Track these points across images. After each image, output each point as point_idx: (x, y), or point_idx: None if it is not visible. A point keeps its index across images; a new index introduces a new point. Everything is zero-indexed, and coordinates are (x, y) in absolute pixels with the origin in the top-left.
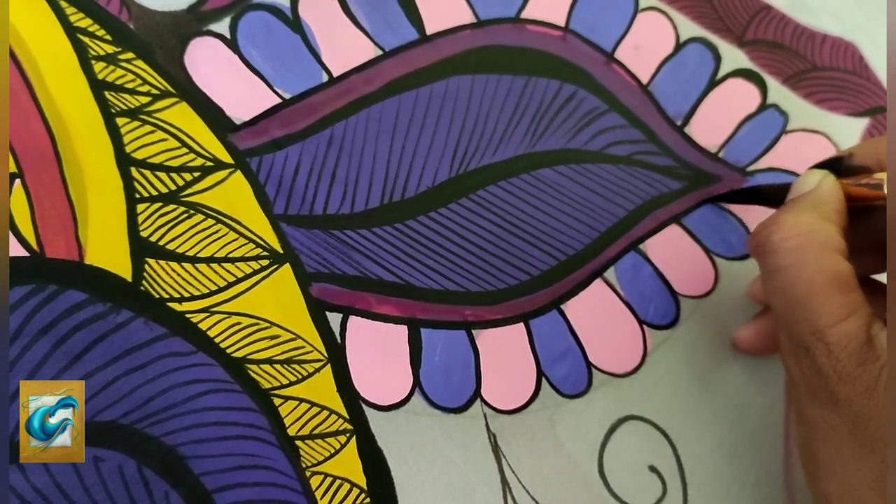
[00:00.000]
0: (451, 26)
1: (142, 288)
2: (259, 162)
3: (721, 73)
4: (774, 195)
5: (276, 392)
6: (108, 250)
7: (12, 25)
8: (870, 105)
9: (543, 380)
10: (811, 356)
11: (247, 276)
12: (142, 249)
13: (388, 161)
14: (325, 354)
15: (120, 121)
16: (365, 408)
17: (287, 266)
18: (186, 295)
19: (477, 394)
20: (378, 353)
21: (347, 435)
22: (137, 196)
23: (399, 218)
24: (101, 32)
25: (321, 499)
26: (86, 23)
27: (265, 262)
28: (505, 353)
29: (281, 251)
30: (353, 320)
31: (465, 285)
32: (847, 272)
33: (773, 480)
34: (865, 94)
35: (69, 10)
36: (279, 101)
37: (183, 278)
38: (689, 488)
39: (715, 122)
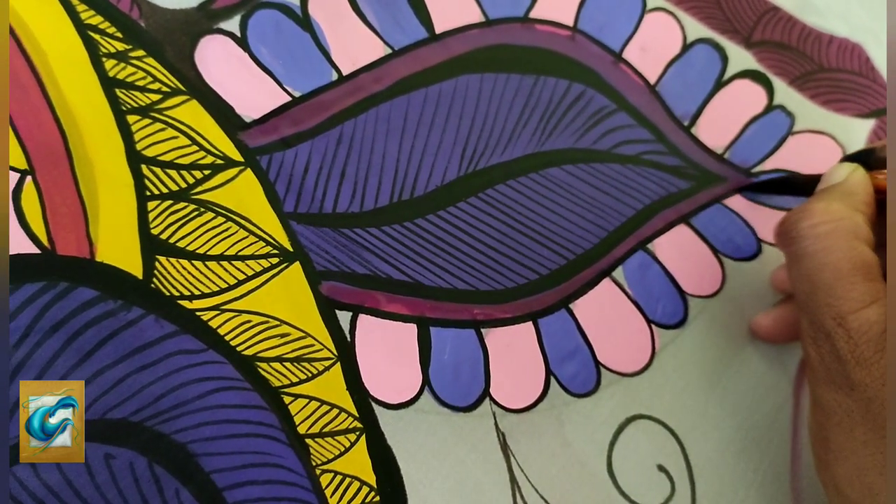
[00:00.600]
0: (459, 25)
1: (152, 285)
2: (269, 160)
3: (728, 73)
4: (805, 185)
5: (286, 390)
6: (118, 248)
7: (24, 23)
8: (876, 106)
9: (552, 379)
10: (831, 341)
11: (257, 274)
12: (152, 247)
13: (397, 159)
14: (335, 353)
15: (131, 118)
16: (374, 406)
17: (297, 264)
18: (197, 293)
19: (486, 392)
20: (387, 351)
21: (357, 433)
22: (148, 193)
23: (408, 216)
24: (111, 30)
25: (331, 497)
26: (97, 20)
27: (275, 261)
28: (514, 352)
29: (291, 249)
30: (363, 319)
31: (474, 284)
32: (872, 261)
33: (780, 480)
34: (872, 96)
35: (80, 7)
36: (289, 99)
37: (193, 276)
38: (697, 487)
39: (721, 123)
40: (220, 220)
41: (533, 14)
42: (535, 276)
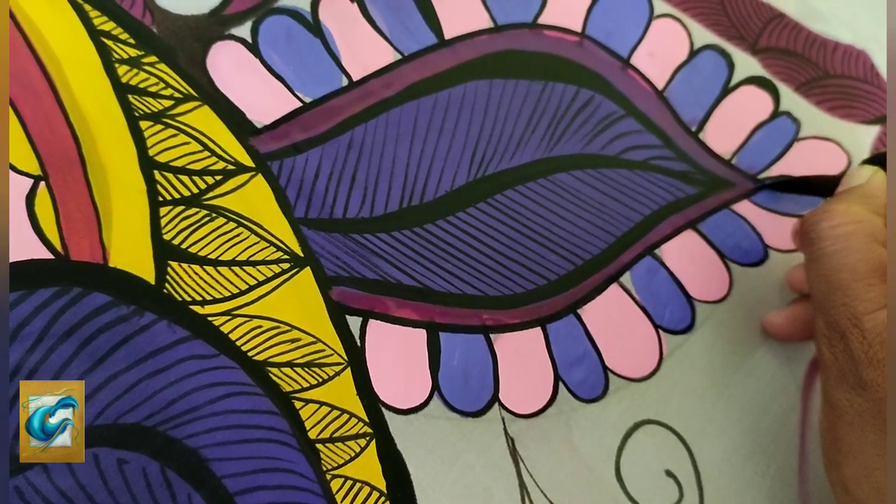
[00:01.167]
0: (469, 31)
1: (165, 291)
2: (280, 165)
3: (734, 80)
4: (824, 186)
5: (296, 395)
6: (131, 253)
7: (37, 29)
8: (881, 113)
9: (560, 384)
10: (846, 341)
11: (268, 280)
12: (165, 252)
13: (407, 165)
14: (345, 358)
15: (143, 124)
16: (384, 411)
17: (307, 269)
18: (209, 298)
19: (495, 398)
20: (397, 356)
21: (367, 438)
22: (160, 199)
23: (418, 222)
24: (124, 36)
25: (341, 501)
26: (109, 26)
27: (286, 266)
28: (522, 358)
29: (301, 255)
30: (373, 324)
31: (482, 289)
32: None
33: (788, 485)
34: (877, 102)
35: (93, 13)
36: (300, 104)
37: (205, 281)
38: (705, 493)
39: (729, 129)
40: (232, 225)
41: (541, 20)
42: (544, 281)
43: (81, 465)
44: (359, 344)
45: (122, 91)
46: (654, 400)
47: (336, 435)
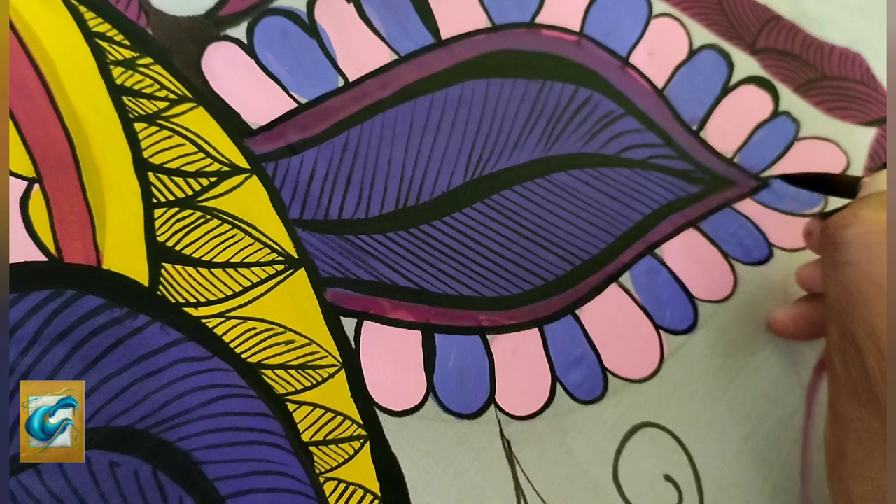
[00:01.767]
0: (466, 31)
1: (158, 293)
2: (275, 167)
3: (734, 79)
4: (844, 186)
5: (290, 397)
6: (125, 255)
7: (32, 31)
8: (877, 115)
9: (558, 386)
10: (861, 356)
11: (262, 281)
12: (158, 254)
13: (402, 166)
14: (340, 360)
15: (138, 126)
16: (379, 413)
17: (302, 271)
18: (202, 300)
19: (491, 399)
20: (392, 358)
21: (361, 441)
22: (154, 201)
23: (414, 223)
24: (119, 37)
25: None
26: (104, 27)
27: (280, 267)
28: (519, 359)
29: (296, 256)
30: (368, 325)
31: (479, 290)
32: None
33: (790, 490)
34: (873, 104)
35: (88, 14)
36: (295, 105)
37: (199, 283)
38: (705, 497)
39: (729, 128)
40: (226, 227)
41: (539, 20)
42: (542, 282)
43: (73, 468)
44: (353, 346)
45: (117, 93)
46: (653, 402)
47: (330, 437)
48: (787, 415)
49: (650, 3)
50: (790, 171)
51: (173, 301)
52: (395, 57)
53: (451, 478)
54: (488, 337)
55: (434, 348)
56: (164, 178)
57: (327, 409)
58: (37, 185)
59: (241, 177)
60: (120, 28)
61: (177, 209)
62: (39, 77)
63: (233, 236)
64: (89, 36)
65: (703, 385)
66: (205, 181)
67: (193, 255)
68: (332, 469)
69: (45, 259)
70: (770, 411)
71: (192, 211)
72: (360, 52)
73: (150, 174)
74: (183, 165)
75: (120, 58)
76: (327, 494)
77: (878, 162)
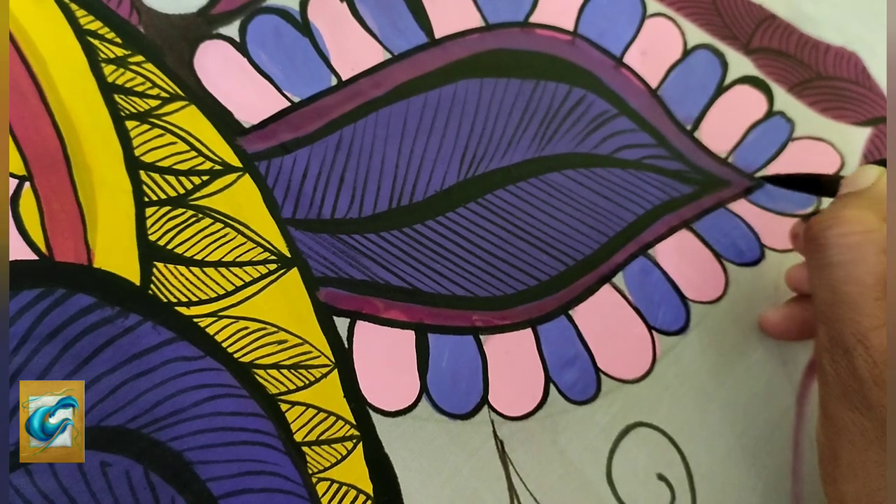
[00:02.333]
0: (459, 30)
1: (150, 292)
2: (267, 165)
3: (728, 79)
4: (826, 185)
5: (283, 397)
6: (116, 254)
7: (23, 28)
8: (873, 115)
9: (551, 386)
10: (850, 357)
11: (255, 281)
12: (150, 253)
13: (396, 165)
14: (333, 359)
15: (129, 124)
16: (372, 413)
17: (295, 270)
18: (194, 299)
19: (484, 400)
20: (385, 358)
21: (354, 441)
22: (146, 199)
23: (407, 222)
24: (110, 35)
25: None
26: (96, 25)
27: (273, 267)
28: (513, 359)
29: (289, 255)
30: (361, 325)
31: (472, 290)
32: None
33: (782, 488)
34: (868, 104)
35: (79, 12)
36: (288, 104)
37: (191, 282)
38: (697, 496)
39: (724, 128)
40: (218, 226)
41: (533, 19)
42: (535, 282)
43: (65, 468)
44: (346, 345)
45: (109, 91)
46: (646, 402)
47: (322, 437)
48: (779, 414)
49: (644, 3)
50: (783, 172)
51: (165, 300)
52: (388, 56)
53: (444, 478)
54: (481, 337)
55: (427, 348)
56: (156, 176)
57: (320, 409)
58: (27, 184)
59: (234, 175)
60: (111, 26)
61: (169, 208)
62: (30, 75)
63: (225, 235)
64: (81, 34)
65: (696, 385)
66: (197, 180)
67: (185, 254)
68: (325, 469)
69: (35, 257)
70: (762, 411)
71: (183, 210)
72: (354, 50)
73: (142, 172)
74: (175, 164)
75: (111, 56)
76: (320, 495)
77: (871, 162)
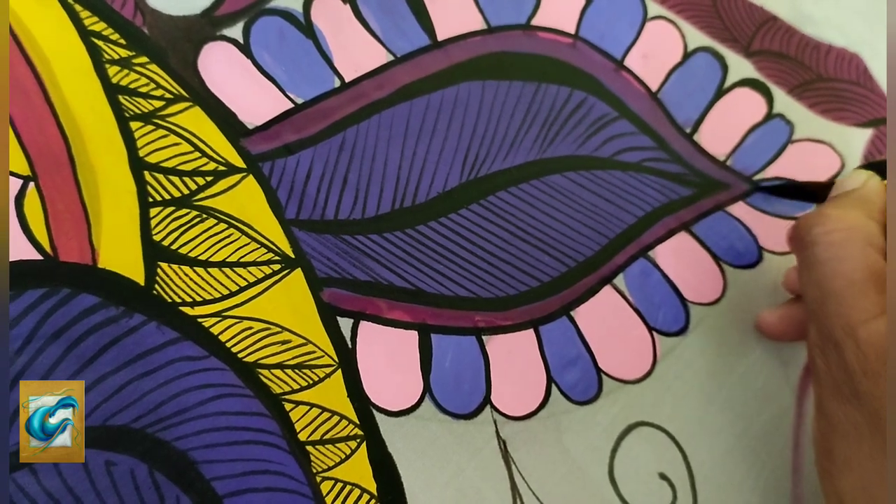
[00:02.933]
0: (461, 32)
1: (154, 292)
2: (271, 167)
3: (728, 82)
4: (818, 192)
5: (287, 397)
6: (121, 254)
7: (27, 29)
8: (874, 116)
9: (553, 386)
10: (839, 351)
11: (258, 281)
12: (154, 253)
13: (399, 166)
14: (336, 359)
15: (133, 125)
16: (375, 413)
17: (298, 271)
18: (199, 299)
19: (487, 400)
20: (388, 358)
21: (358, 440)
22: (150, 200)
23: (410, 223)
24: (115, 36)
25: None
26: (100, 27)
27: (277, 267)
28: (515, 360)
29: (292, 256)
30: (364, 325)
31: (475, 291)
32: (885, 271)
33: (782, 487)
34: (869, 105)
35: (83, 13)
36: (291, 106)
37: (195, 282)
38: (698, 495)
39: (723, 131)
40: (222, 226)
41: (535, 22)
42: (537, 283)
43: (69, 467)
44: (350, 346)
45: (113, 91)
46: (647, 402)
47: (326, 437)
48: (778, 414)
49: (645, 6)
50: (783, 175)
51: (169, 300)
52: (391, 58)
53: (448, 478)
54: (484, 338)
55: (430, 349)
56: (160, 177)
57: (324, 409)
58: (32, 184)
59: (238, 176)
60: (116, 27)
61: (173, 208)
62: (35, 75)
63: (229, 236)
64: (85, 35)
65: (696, 385)
66: (201, 180)
67: (189, 255)
68: (329, 469)
69: (40, 257)
70: (761, 410)
71: (188, 210)
72: (357, 52)
73: (146, 173)
74: (179, 165)
75: (116, 57)
76: (324, 494)
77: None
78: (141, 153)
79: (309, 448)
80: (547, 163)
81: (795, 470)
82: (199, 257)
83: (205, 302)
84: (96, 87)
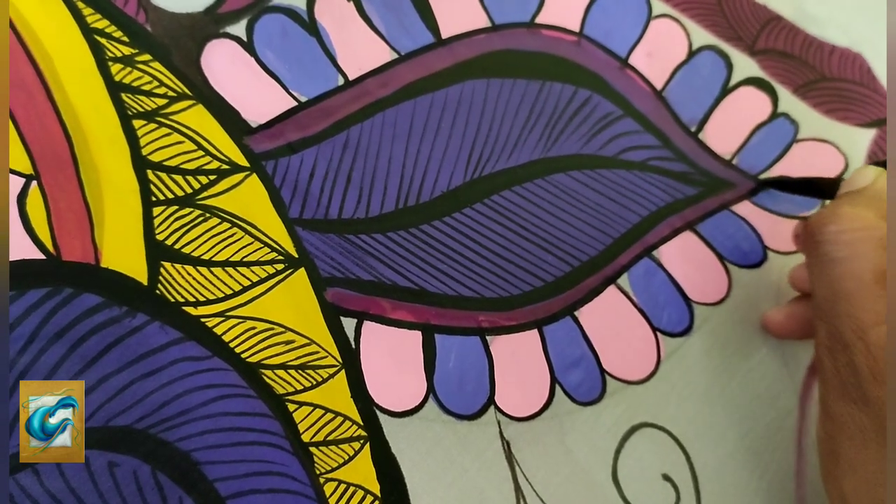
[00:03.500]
0: (466, 30)
1: (157, 291)
2: (275, 165)
3: (733, 80)
4: (826, 188)
5: (290, 398)
6: (123, 253)
7: (30, 27)
8: (877, 116)
9: (557, 387)
10: (849, 353)
11: (262, 281)
12: (157, 253)
13: (402, 165)
14: (340, 360)
15: (136, 123)
16: (379, 414)
17: (302, 270)
18: (202, 299)
19: (491, 400)
20: (392, 358)
21: (361, 441)
22: (153, 199)
23: (414, 222)
24: (117, 34)
25: None
26: (103, 24)
27: (280, 267)
28: (519, 360)
29: (296, 255)
30: (368, 325)
31: (479, 291)
32: None
33: (785, 489)
34: (872, 105)
35: (86, 11)
36: (295, 104)
37: (198, 282)
38: (702, 496)
39: (728, 130)
40: (226, 225)
41: (539, 19)
42: (541, 283)
43: (72, 468)
44: (353, 346)
45: (116, 89)
46: (651, 403)
47: (330, 438)
48: (782, 415)
49: (650, 4)
50: (787, 174)
51: (172, 300)
52: (395, 56)
53: (451, 479)
54: (488, 338)
55: (434, 349)
56: (163, 175)
57: (327, 410)
58: (34, 183)
59: (241, 175)
60: (118, 25)
61: (176, 207)
62: (38, 73)
63: (232, 235)
64: (88, 32)
65: (700, 386)
66: (204, 179)
67: (193, 254)
68: (333, 470)
69: (42, 257)
70: (765, 412)
71: (191, 209)
72: (360, 50)
73: (149, 172)
74: (182, 163)
75: (118, 54)
76: (328, 495)
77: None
78: (144, 151)
79: (312, 449)
80: (551, 161)
81: (799, 472)
82: (203, 257)
83: (208, 302)
84: (99, 85)
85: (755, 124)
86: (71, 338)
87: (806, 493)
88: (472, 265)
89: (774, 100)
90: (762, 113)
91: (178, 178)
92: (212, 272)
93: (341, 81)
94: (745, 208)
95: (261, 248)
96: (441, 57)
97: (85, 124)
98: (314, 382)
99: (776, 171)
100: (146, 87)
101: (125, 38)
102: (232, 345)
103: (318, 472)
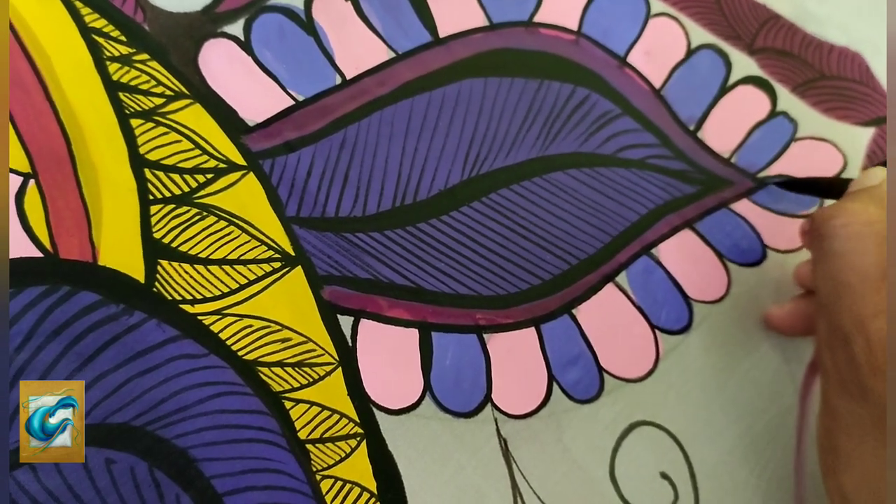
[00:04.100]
0: (463, 29)
1: (155, 289)
2: (272, 164)
3: (732, 79)
4: (834, 188)
5: (287, 395)
6: (121, 251)
7: (28, 26)
8: (876, 115)
9: (554, 385)
10: (848, 346)
11: (259, 279)
12: (155, 251)
13: (400, 164)
14: (337, 358)
15: (134, 122)
16: (375, 411)
17: (299, 268)
18: (199, 297)
19: (487, 398)
20: (389, 356)
21: (358, 439)
22: (151, 197)
23: (411, 221)
24: (115, 33)
25: (331, 502)
26: (101, 23)
27: (277, 265)
28: (516, 358)
29: (293, 254)
30: (365, 323)
31: (476, 289)
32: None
33: (784, 487)
34: (871, 104)
35: (84, 10)
36: (292, 103)
37: (196, 280)
38: (700, 494)
39: (727, 128)
40: (223, 224)
41: (537, 18)
42: (538, 280)
43: (69, 466)
44: (350, 344)
45: (113, 88)
46: (649, 401)
47: (326, 435)
48: (781, 413)
49: (648, 3)
50: (786, 173)
51: (169, 298)
52: (392, 55)
53: (448, 476)
54: (485, 336)
55: (431, 347)
56: (161, 174)
57: (324, 407)
58: (32, 181)
59: (238, 174)
60: (116, 24)
61: (173, 206)
62: (35, 72)
63: (229, 233)
64: (86, 32)
65: (699, 384)
66: (201, 178)
67: (190, 252)
68: (329, 467)
69: (40, 255)
70: (764, 410)
71: (188, 208)
72: (358, 49)
73: (147, 170)
74: (179, 162)
75: (116, 54)
76: (324, 492)
77: (875, 162)
78: (141, 150)
79: (309, 446)
80: (549, 160)
81: (798, 469)
82: (200, 255)
83: (205, 300)
84: (97, 84)
85: (754, 123)
86: (68, 335)
87: (805, 491)
88: (469, 263)
89: (773, 98)
90: (761, 111)
91: (176, 176)
92: (209, 270)
93: (339, 80)
94: (743, 206)
95: (258, 246)
96: (439, 56)
97: (83, 123)
98: (311, 380)
99: (775, 170)
100: (144, 87)
101: (123, 38)
102: (229, 342)
103: (314, 469)
